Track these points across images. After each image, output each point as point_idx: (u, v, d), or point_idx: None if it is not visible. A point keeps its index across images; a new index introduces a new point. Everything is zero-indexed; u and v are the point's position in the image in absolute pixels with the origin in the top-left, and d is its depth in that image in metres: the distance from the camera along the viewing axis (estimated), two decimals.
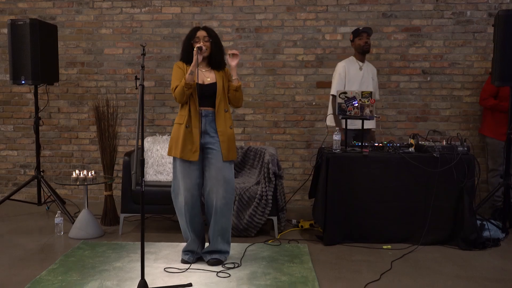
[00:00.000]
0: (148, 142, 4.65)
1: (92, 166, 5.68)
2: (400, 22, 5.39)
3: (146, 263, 3.46)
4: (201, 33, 3.48)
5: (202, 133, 3.43)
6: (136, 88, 3.02)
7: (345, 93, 4.20)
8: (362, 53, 4.67)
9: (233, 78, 3.48)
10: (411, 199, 4.03)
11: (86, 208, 4.31)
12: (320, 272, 3.43)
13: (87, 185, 4.29)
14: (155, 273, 3.36)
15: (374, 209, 4.05)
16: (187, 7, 5.52)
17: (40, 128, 5.14)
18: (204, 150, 3.47)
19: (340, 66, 4.70)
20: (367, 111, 4.16)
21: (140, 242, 3.28)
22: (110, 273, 3.37)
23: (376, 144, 4.30)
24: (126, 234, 4.36)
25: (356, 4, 5.39)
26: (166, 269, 3.43)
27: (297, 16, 5.44)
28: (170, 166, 4.52)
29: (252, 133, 5.57)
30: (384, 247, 3.96)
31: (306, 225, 4.50)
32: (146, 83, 5.48)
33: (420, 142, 4.25)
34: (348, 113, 4.19)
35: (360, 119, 4.21)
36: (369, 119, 4.19)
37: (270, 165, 4.17)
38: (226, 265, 3.50)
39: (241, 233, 4.22)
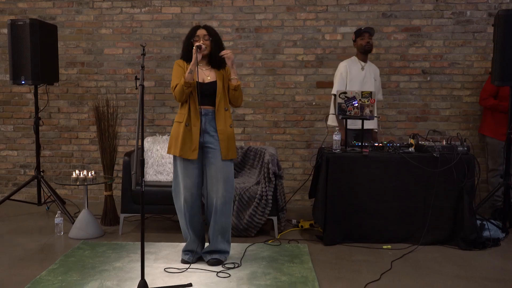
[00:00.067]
0: (148, 142, 4.65)
1: (92, 166, 5.68)
2: (400, 22, 5.39)
3: (146, 263, 3.46)
4: (201, 32, 3.48)
5: (202, 132, 3.43)
6: (136, 88, 3.02)
7: (345, 93, 4.20)
8: (364, 53, 4.67)
9: (231, 77, 3.48)
10: (411, 199, 4.03)
11: (86, 208, 4.31)
12: (320, 272, 3.43)
13: (87, 185, 4.29)
14: (155, 273, 3.36)
15: (374, 209, 4.05)
16: (187, 7, 5.52)
17: (40, 128, 5.14)
18: (204, 149, 3.47)
19: (342, 66, 4.71)
20: (367, 111, 4.16)
21: (140, 242, 3.28)
22: (110, 273, 3.37)
23: (376, 144, 4.30)
24: (126, 234, 4.36)
25: (356, 4, 5.39)
26: (166, 269, 3.43)
27: (297, 16, 5.44)
28: (170, 166, 4.53)
29: (252, 133, 5.57)
30: (384, 247, 3.96)
31: (306, 225, 4.50)
32: (146, 83, 5.48)
33: (420, 142, 4.25)
34: (348, 113, 4.19)
35: (359, 119, 4.21)
36: (369, 119, 4.19)
37: (270, 165, 4.17)
38: (226, 265, 3.50)
39: (241, 233, 4.22)
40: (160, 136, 4.77)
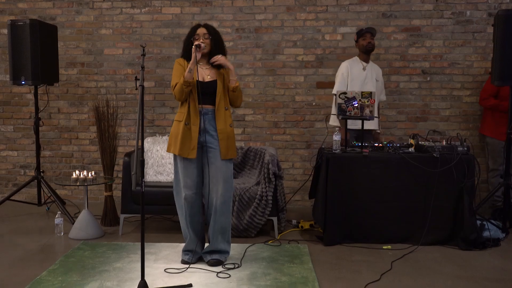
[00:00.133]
0: (148, 142, 4.65)
1: (92, 166, 5.68)
2: (400, 22, 5.39)
3: (146, 264, 3.46)
4: (201, 30, 3.47)
5: (201, 131, 3.43)
6: (136, 89, 3.02)
7: (345, 93, 4.20)
8: (365, 53, 4.67)
9: (230, 78, 3.48)
10: (411, 199, 4.03)
11: (86, 208, 4.31)
12: (320, 272, 3.43)
13: (87, 185, 4.29)
14: (155, 274, 3.36)
15: (374, 209, 4.05)
16: (187, 8, 5.52)
17: (40, 128, 5.14)
18: (203, 148, 3.47)
19: (343, 66, 4.71)
20: (367, 111, 4.16)
21: (140, 243, 3.28)
22: (110, 273, 3.37)
23: (376, 145, 4.30)
24: (126, 234, 4.36)
25: (356, 4, 5.39)
26: (166, 270, 3.43)
27: (297, 17, 5.44)
28: (170, 166, 4.53)
29: (252, 133, 5.57)
30: (384, 247, 3.96)
31: (306, 225, 4.50)
32: (146, 84, 5.48)
33: (420, 142, 4.25)
34: (348, 114, 4.19)
35: (359, 119, 4.21)
36: (368, 120, 4.19)
37: (270, 166, 4.17)
38: (226, 266, 3.50)
39: (241, 233, 4.22)
40: (160, 137, 4.77)
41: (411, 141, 4.27)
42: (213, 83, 3.45)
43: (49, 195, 5.07)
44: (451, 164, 3.95)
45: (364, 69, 4.68)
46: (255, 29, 5.48)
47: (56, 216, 4.32)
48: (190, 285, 3.15)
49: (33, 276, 3.31)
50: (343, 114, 4.21)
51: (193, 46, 3.34)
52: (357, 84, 4.63)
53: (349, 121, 4.57)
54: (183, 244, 3.68)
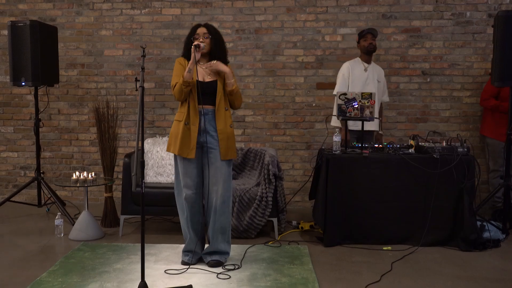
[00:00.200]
0: (148, 143, 4.65)
1: (92, 167, 5.68)
2: (400, 23, 5.39)
3: (146, 265, 3.46)
4: (201, 30, 3.47)
5: (201, 131, 3.43)
6: (136, 90, 3.02)
7: (345, 94, 4.20)
8: (367, 54, 4.68)
9: (226, 81, 3.46)
10: (411, 200, 4.03)
11: (86, 209, 4.31)
12: (320, 273, 3.43)
13: (87, 186, 4.30)
14: (155, 275, 3.36)
15: (374, 210, 4.05)
16: (187, 9, 5.52)
17: (40, 129, 5.13)
18: (203, 148, 3.47)
19: (345, 66, 4.72)
20: (367, 112, 4.16)
21: (140, 244, 3.28)
22: (110, 274, 3.37)
23: (376, 146, 4.30)
24: (126, 235, 4.36)
25: (356, 5, 5.39)
26: (166, 271, 3.43)
27: (297, 17, 5.45)
28: (170, 167, 4.53)
29: (252, 134, 5.57)
30: (384, 248, 3.96)
31: (306, 226, 4.50)
32: (146, 85, 5.48)
33: (420, 143, 4.26)
34: (348, 114, 4.20)
35: (359, 120, 4.21)
36: (368, 120, 4.20)
37: (270, 167, 4.17)
38: (226, 267, 3.50)
39: (241, 234, 4.22)
40: (160, 138, 4.77)
41: (411, 142, 4.27)
42: (213, 83, 3.45)
43: (49, 196, 5.07)
44: (451, 165, 3.95)
45: (365, 70, 4.68)
46: (255, 30, 5.48)
47: (56, 217, 4.32)
48: (190, 286, 3.15)
49: (33, 277, 3.31)
50: (343, 115, 4.21)
51: (192, 46, 3.34)
52: (358, 85, 4.63)
53: (350, 122, 4.58)
54: (183, 245, 3.68)
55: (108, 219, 4.63)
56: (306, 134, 5.53)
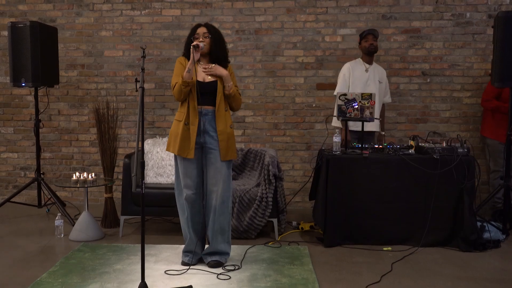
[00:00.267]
0: (148, 144, 4.65)
1: (92, 168, 5.68)
2: (400, 24, 5.39)
3: (146, 265, 3.46)
4: (201, 30, 3.47)
5: (201, 132, 3.43)
6: (136, 90, 3.02)
7: (345, 94, 4.21)
8: (368, 55, 4.68)
9: (224, 85, 3.44)
10: (411, 200, 4.03)
11: (86, 210, 4.31)
12: (320, 274, 3.43)
13: (87, 187, 4.30)
14: (155, 275, 3.36)
15: (374, 210, 4.05)
16: (187, 9, 5.53)
17: (40, 130, 5.13)
18: (203, 149, 3.47)
19: (345, 67, 4.73)
20: (367, 112, 4.16)
21: (140, 244, 3.28)
22: (110, 275, 3.37)
23: (376, 146, 4.30)
24: (126, 236, 4.36)
25: (356, 6, 5.40)
26: (166, 271, 3.43)
27: (297, 18, 5.45)
28: (170, 168, 4.53)
29: (252, 135, 5.57)
30: (385, 249, 3.96)
31: (307, 227, 4.50)
32: (146, 85, 5.48)
33: (420, 144, 4.26)
34: (348, 115, 4.20)
35: (359, 120, 4.21)
36: (368, 121, 4.20)
37: (270, 167, 4.17)
38: (226, 267, 3.50)
39: (241, 235, 4.22)
40: (160, 138, 4.78)
41: (411, 142, 4.27)
42: (213, 84, 3.44)
43: (49, 197, 5.07)
44: (451, 166, 3.95)
45: (366, 70, 4.68)
46: (255, 30, 5.49)
47: (56, 218, 4.32)
48: (190, 286, 3.14)
49: (33, 278, 3.30)
50: (343, 115, 4.21)
51: (191, 46, 3.34)
52: (359, 86, 4.63)
53: (350, 123, 4.58)
54: (183, 246, 3.68)
55: (108, 220, 4.63)
56: (306, 135, 5.53)
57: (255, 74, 5.52)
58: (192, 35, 3.47)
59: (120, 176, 4.90)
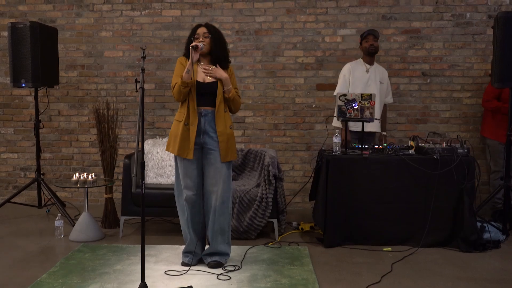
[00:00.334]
0: (148, 144, 4.65)
1: (92, 168, 5.68)
2: (400, 24, 5.40)
3: (146, 266, 3.46)
4: (201, 30, 3.46)
5: (201, 132, 3.43)
6: (136, 91, 3.02)
7: (345, 95, 4.21)
8: (368, 55, 4.68)
9: (224, 88, 3.44)
10: (411, 201, 4.04)
11: (86, 210, 4.31)
12: (320, 274, 3.43)
13: (87, 187, 4.30)
14: (155, 276, 3.36)
15: (374, 211, 4.05)
16: (187, 10, 5.53)
17: (40, 130, 5.14)
18: (203, 149, 3.47)
19: (346, 68, 4.73)
20: (367, 113, 4.16)
21: (140, 245, 3.28)
22: (110, 276, 3.37)
23: (376, 147, 4.30)
24: (126, 236, 4.36)
25: (356, 6, 5.40)
26: (166, 272, 3.43)
27: (297, 19, 5.45)
28: (170, 168, 4.53)
29: (252, 135, 5.57)
30: (385, 249, 3.96)
31: (307, 227, 4.50)
32: (146, 86, 5.48)
33: (420, 144, 4.26)
34: (348, 116, 4.20)
35: (359, 121, 4.21)
36: (368, 121, 4.20)
37: (270, 168, 4.17)
38: (226, 268, 3.50)
39: (241, 235, 4.22)
40: (160, 139, 4.78)
41: (411, 143, 4.27)
42: (213, 85, 3.43)
43: (49, 197, 5.07)
44: (451, 166, 3.95)
45: (367, 71, 4.68)
46: (255, 31, 5.49)
47: (56, 218, 4.32)
48: (191, 287, 3.15)
49: (33, 278, 3.30)
50: (343, 116, 4.21)
51: (190, 47, 3.33)
52: (360, 86, 4.63)
53: (351, 123, 4.59)
54: (183, 246, 3.68)
55: (108, 220, 4.63)
56: (306, 135, 5.53)
57: (255, 75, 5.52)
58: (193, 35, 3.47)
59: (120, 177, 4.90)
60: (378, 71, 4.75)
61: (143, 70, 3.05)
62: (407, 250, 3.93)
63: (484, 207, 4.67)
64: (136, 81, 3.09)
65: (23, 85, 4.73)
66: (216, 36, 3.47)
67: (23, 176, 5.79)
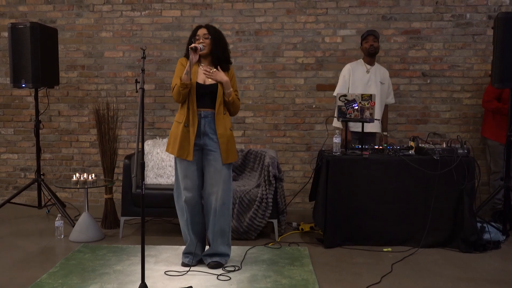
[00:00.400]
0: (148, 145, 4.65)
1: (92, 169, 5.68)
2: (400, 25, 5.40)
3: (146, 266, 3.46)
4: (201, 31, 3.46)
5: (201, 134, 3.43)
6: (136, 91, 3.02)
7: (345, 95, 4.21)
8: (369, 56, 4.68)
9: (224, 91, 3.43)
10: (411, 201, 4.03)
11: (87, 211, 4.31)
12: (320, 274, 3.43)
13: (87, 188, 4.30)
14: (155, 276, 3.36)
15: (374, 211, 4.05)
16: (187, 10, 5.53)
17: (40, 131, 5.14)
18: (203, 151, 3.47)
19: (346, 68, 4.73)
20: (367, 113, 4.16)
21: (140, 245, 3.28)
22: (110, 276, 3.37)
23: (376, 147, 4.30)
24: (126, 237, 4.36)
25: (356, 6, 5.40)
26: (166, 272, 3.43)
27: (297, 19, 5.45)
28: (170, 169, 4.53)
29: (252, 136, 5.57)
30: (385, 249, 3.96)
31: (307, 228, 4.50)
32: (146, 86, 5.49)
33: (420, 145, 4.26)
34: (348, 116, 4.20)
35: (359, 121, 4.21)
36: (368, 122, 4.20)
37: (270, 168, 4.17)
38: (226, 268, 3.50)
39: (241, 236, 4.22)
40: (161, 139, 4.78)
41: (411, 143, 4.27)
42: (213, 86, 3.43)
43: (49, 197, 5.07)
44: (451, 167, 3.95)
45: (367, 71, 4.68)
46: (255, 31, 5.49)
47: (57, 218, 4.32)
48: (191, 287, 3.14)
49: (33, 279, 3.30)
50: (343, 116, 4.21)
51: (189, 49, 3.33)
52: (360, 87, 4.63)
53: (351, 124, 4.59)
54: (183, 247, 3.68)
55: (108, 221, 4.63)
56: (306, 136, 5.53)
57: (255, 75, 5.52)
58: (193, 36, 3.46)
59: (120, 177, 4.90)
60: (379, 72, 4.75)
61: (143, 70, 3.05)
62: (407, 250, 3.93)
63: (484, 208, 4.67)
64: (136, 82, 3.09)
65: (23, 85, 4.73)
66: (216, 37, 3.47)
67: (23, 177, 5.79)
